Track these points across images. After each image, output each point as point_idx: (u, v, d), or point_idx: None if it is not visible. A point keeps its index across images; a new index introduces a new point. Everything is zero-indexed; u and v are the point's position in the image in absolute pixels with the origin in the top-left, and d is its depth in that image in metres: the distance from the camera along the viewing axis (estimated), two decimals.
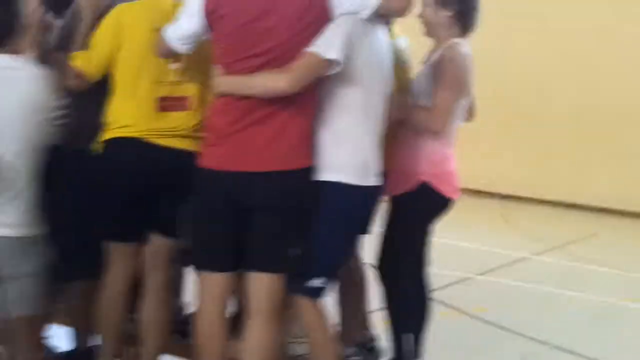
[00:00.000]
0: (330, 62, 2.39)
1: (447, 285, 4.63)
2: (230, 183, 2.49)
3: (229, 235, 2.54)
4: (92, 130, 2.74)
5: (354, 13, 2.43)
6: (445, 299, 4.31)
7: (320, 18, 2.41)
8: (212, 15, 2.44)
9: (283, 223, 2.53)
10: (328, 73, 2.43)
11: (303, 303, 2.59)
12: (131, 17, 2.69)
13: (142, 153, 2.68)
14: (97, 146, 2.73)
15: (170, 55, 2.61)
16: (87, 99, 2.76)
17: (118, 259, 2.80)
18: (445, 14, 2.89)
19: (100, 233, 2.79)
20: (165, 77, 2.68)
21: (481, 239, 6.10)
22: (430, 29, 2.94)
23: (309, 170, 2.53)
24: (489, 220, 7.09)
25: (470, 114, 3.15)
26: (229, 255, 2.56)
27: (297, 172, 2.51)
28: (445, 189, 2.94)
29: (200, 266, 2.62)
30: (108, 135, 2.72)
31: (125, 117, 2.69)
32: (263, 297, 2.54)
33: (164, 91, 2.69)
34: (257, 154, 2.46)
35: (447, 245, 5.03)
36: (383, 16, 2.53)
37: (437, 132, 2.88)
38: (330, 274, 2.63)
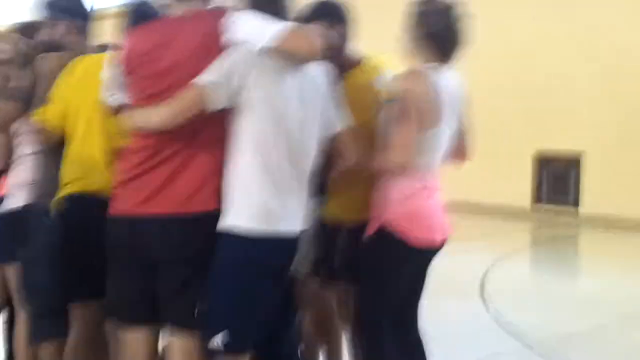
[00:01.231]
0: (203, 94, 2.27)
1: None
2: (127, 229, 2.38)
3: (139, 285, 2.42)
4: (55, 186, 2.76)
5: (246, 45, 2.30)
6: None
7: (220, 54, 2.31)
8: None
9: (183, 274, 2.35)
10: (208, 105, 2.28)
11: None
12: (84, 69, 2.69)
13: (95, 208, 2.59)
14: (55, 204, 2.73)
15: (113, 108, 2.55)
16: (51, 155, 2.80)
17: (79, 319, 2.79)
18: (422, 44, 2.69)
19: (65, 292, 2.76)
20: (117, 129, 2.61)
21: None
22: (407, 56, 2.76)
23: (213, 214, 2.33)
24: None
25: (463, 153, 2.92)
26: (144, 307, 2.43)
27: (197, 216, 2.33)
28: (406, 232, 2.63)
29: (120, 320, 2.52)
30: (63, 192, 2.72)
31: (75, 172, 2.70)
32: (174, 356, 2.42)
33: (117, 143, 2.63)
34: (152, 195, 2.33)
35: None
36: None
37: (398, 170, 2.64)
38: (237, 330, 2.35)
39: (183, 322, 2.39)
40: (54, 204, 2.72)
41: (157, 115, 2.32)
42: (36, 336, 2.87)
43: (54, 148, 2.78)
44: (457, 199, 10.94)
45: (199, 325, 2.35)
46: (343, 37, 3.00)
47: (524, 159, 11.07)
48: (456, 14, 2.72)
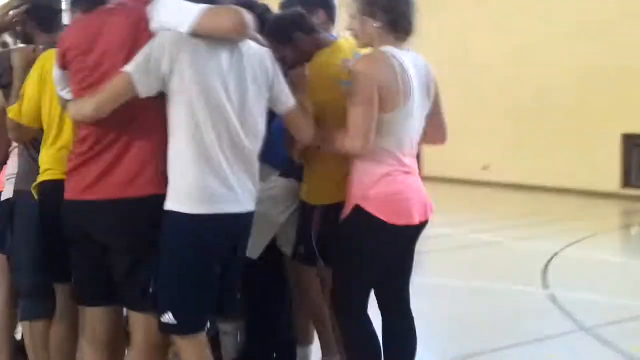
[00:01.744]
0: (130, 81, 2.31)
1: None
2: (75, 214, 2.48)
3: (92, 267, 2.52)
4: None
5: (170, 29, 2.33)
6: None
7: (148, 40, 2.36)
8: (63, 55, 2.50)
9: (128, 259, 2.44)
10: (137, 91, 2.32)
11: (177, 341, 2.49)
12: (51, 62, 2.71)
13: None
14: (34, 191, 2.85)
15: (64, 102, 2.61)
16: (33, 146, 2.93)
17: (62, 299, 2.89)
18: (373, 25, 2.65)
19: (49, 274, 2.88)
20: None
21: None
22: (362, 41, 2.74)
23: (154, 198, 2.39)
24: None
25: (439, 135, 2.90)
26: (98, 288, 2.55)
27: (133, 201, 2.40)
28: (380, 213, 2.61)
29: (79, 299, 2.65)
30: (41, 178, 2.83)
31: (49, 161, 2.80)
32: (135, 333, 2.53)
33: None
34: (94, 182, 2.42)
35: None
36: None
37: (357, 153, 2.62)
38: (182, 311, 2.41)
39: (134, 305, 2.51)
40: (33, 190, 2.84)
41: (89, 105, 2.38)
42: (25, 316, 3.03)
43: (35, 139, 2.89)
44: (546, 183, 10.91)
45: (150, 307, 2.43)
46: (324, 21, 3.13)
47: (613, 140, 10.74)
48: None
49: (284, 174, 3.11)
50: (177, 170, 2.38)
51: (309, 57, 2.93)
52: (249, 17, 2.38)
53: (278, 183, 3.09)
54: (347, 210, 2.71)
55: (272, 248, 3.09)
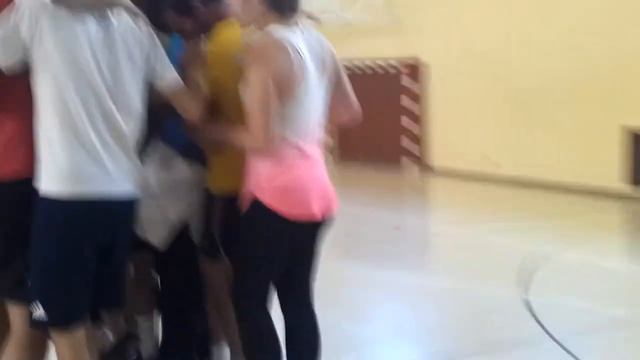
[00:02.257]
0: None
1: None
2: None
3: None
4: None
5: None
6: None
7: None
8: None
9: (2, 245, 2.31)
10: None
11: (52, 336, 2.35)
12: None
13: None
14: None
15: None
16: None
17: None
18: (255, 3, 2.51)
19: None
20: None
21: None
22: (244, 20, 2.59)
23: (28, 180, 2.27)
24: None
25: (347, 112, 2.78)
26: None
27: (8, 183, 2.28)
28: (276, 205, 2.50)
29: None
30: None
31: None
32: (13, 324, 2.39)
33: None
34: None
35: None
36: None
37: (260, 153, 2.50)
38: (52, 302, 2.27)
39: (9, 294, 2.37)
40: None
41: None
42: None
43: None
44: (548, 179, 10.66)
45: (26, 298, 2.31)
46: None
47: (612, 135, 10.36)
48: None
49: (186, 155, 2.92)
50: (45, 149, 2.26)
51: (207, 29, 2.78)
52: None
53: (181, 169, 2.91)
54: (244, 202, 2.59)
55: (185, 238, 2.96)
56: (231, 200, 2.71)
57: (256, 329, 2.66)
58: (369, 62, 13.32)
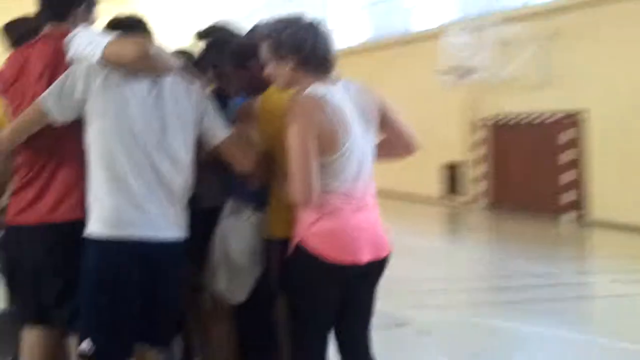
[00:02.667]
0: (42, 109, 2.45)
1: None
2: (11, 236, 2.66)
3: (30, 291, 2.62)
4: None
5: (83, 59, 2.45)
6: None
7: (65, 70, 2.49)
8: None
9: (57, 282, 2.52)
10: (47, 122, 2.46)
11: None
12: None
13: None
14: None
15: None
16: None
17: None
18: (286, 67, 2.58)
19: None
20: None
21: None
22: (281, 85, 2.65)
23: (79, 223, 2.47)
24: None
25: (400, 146, 2.80)
26: (36, 310, 2.63)
27: (60, 225, 2.50)
28: (320, 250, 2.48)
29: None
30: None
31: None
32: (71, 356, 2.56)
33: None
34: (26, 207, 2.56)
35: None
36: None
37: (301, 204, 2.51)
38: (98, 338, 2.42)
39: (66, 327, 2.55)
40: None
41: (4, 133, 2.55)
42: None
43: None
44: None
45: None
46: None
47: None
48: (315, 26, 2.60)
49: (258, 209, 2.95)
50: (93, 196, 2.46)
51: (259, 88, 2.86)
52: (154, 49, 2.47)
53: (248, 215, 2.93)
54: (291, 247, 2.60)
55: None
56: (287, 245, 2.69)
57: None
58: (526, 116, 13.30)
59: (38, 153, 2.57)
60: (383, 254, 2.63)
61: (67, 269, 2.52)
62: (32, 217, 2.55)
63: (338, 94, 2.58)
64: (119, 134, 2.45)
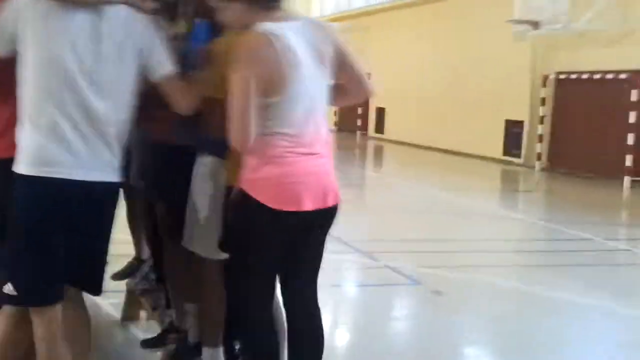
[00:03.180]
0: None
1: None
2: None
3: None
4: None
5: None
6: None
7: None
8: None
9: None
10: None
11: (31, 315, 2.35)
12: None
13: None
14: None
15: None
16: None
17: None
18: (236, 8, 2.44)
19: None
20: None
21: None
22: (237, 27, 2.48)
23: (8, 158, 2.34)
24: None
25: (359, 89, 2.65)
26: None
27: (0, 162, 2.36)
28: (262, 197, 2.37)
29: None
30: None
31: None
32: None
33: None
34: None
35: None
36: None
37: (239, 149, 2.39)
38: (21, 279, 2.30)
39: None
40: None
41: None
42: None
43: None
44: None
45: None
46: None
47: None
48: None
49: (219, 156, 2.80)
50: (21, 133, 2.34)
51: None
52: None
53: (211, 164, 2.82)
54: (235, 194, 2.47)
55: None
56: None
57: (253, 331, 2.57)
58: (596, 74, 12.65)
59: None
60: (330, 204, 2.48)
61: (3, 208, 2.38)
62: None
63: (290, 31, 2.41)
64: (46, 68, 2.30)
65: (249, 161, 2.42)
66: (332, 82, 2.57)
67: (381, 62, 17.18)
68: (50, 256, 2.34)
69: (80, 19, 2.33)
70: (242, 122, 2.34)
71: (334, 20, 20.68)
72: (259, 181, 2.40)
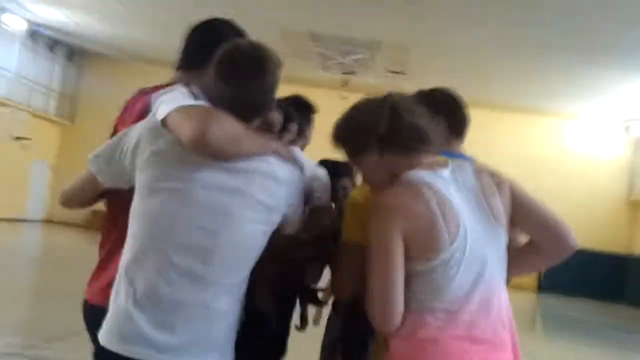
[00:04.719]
0: (90, 168, 2.04)
1: None
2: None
3: None
4: None
5: (150, 117, 1.96)
6: None
7: None
8: None
9: None
10: (99, 185, 2.04)
11: None
12: None
13: None
14: None
15: None
16: None
17: None
18: (375, 160, 2.02)
19: None
20: None
21: None
22: (380, 186, 2.04)
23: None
24: None
25: (556, 244, 2.01)
26: None
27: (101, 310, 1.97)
28: None
29: None
30: None
31: None
32: None
33: None
34: (89, 285, 2.17)
35: None
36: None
37: (381, 329, 1.91)
38: None
39: None
40: None
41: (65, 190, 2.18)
42: None
43: None
44: None
45: None
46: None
47: None
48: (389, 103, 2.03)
49: None
50: (114, 287, 1.94)
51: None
52: (222, 132, 1.84)
53: None
54: None
55: None
56: None
57: None
58: None
59: (106, 225, 2.19)
60: None
61: None
62: (89, 293, 2.18)
63: (447, 179, 1.96)
64: (148, 225, 1.89)
65: (392, 347, 1.90)
66: (508, 241, 2.01)
67: None
68: None
69: (209, 172, 1.93)
70: (384, 296, 1.86)
71: None
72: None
